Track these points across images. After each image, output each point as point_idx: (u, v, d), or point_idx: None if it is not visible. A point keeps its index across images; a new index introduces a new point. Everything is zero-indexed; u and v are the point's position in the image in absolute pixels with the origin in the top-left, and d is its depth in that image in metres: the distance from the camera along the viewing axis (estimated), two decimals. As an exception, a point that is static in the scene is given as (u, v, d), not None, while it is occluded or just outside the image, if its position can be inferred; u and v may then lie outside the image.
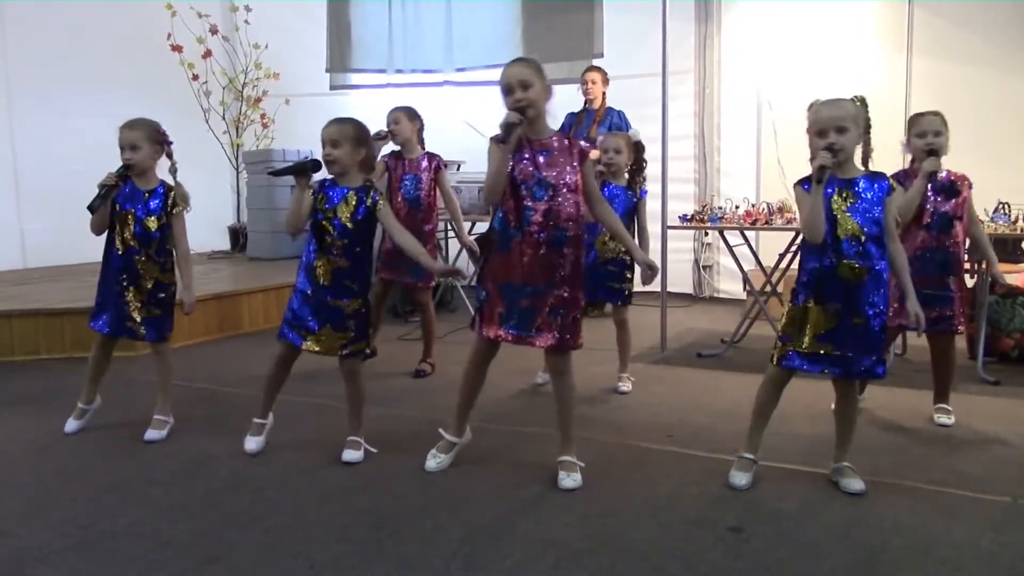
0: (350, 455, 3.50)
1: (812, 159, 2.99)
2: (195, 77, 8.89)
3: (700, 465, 3.44)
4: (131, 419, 3.99)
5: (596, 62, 7.28)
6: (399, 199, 4.92)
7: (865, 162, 3.12)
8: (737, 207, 5.60)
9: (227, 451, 3.65)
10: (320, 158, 3.46)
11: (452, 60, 8.56)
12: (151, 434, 3.80)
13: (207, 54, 8.95)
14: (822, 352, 3.05)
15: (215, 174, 9.65)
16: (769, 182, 6.97)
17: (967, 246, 4.08)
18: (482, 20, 8.37)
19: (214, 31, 9.03)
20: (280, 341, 3.52)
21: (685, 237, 7.77)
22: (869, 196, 3.01)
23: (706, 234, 7.82)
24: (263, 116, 9.54)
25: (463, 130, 7.13)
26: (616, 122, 6.87)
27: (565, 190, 3.12)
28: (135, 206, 3.75)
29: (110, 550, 2.69)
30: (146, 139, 3.72)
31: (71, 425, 3.88)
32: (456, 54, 8.49)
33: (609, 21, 7.63)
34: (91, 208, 3.63)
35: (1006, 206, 4.67)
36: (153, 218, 3.76)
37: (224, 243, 9.58)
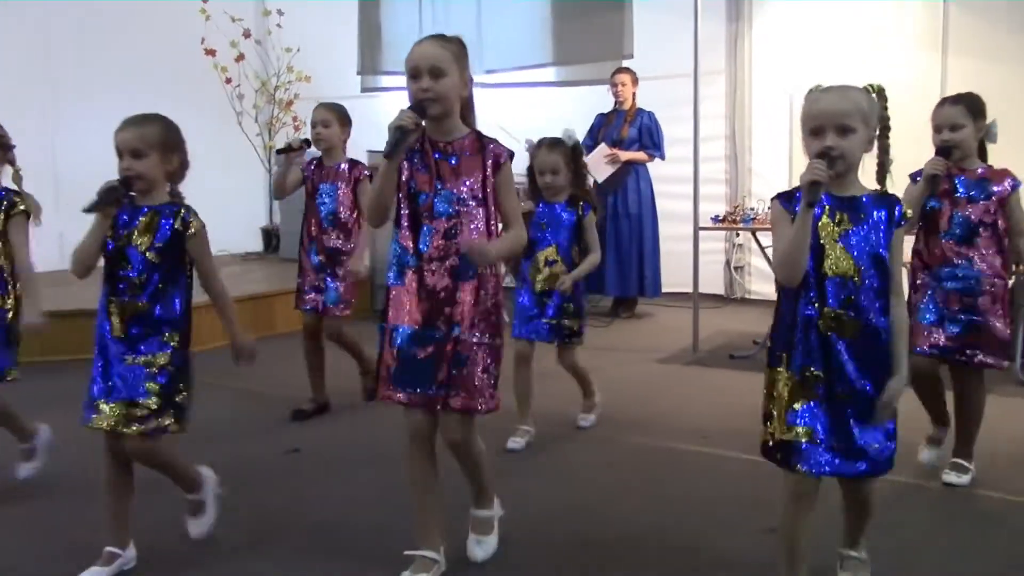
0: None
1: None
2: (228, 81, 8.99)
3: (735, 467, 3.44)
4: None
5: (626, 63, 7.28)
6: (314, 213, 4.26)
7: (882, 176, 2.33)
8: (768, 208, 5.57)
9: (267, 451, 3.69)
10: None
11: (482, 62, 8.57)
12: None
13: (240, 58, 9.04)
14: (795, 440, 2.18)
15: (248, 176, 9.77)
16: (801, 182, 6.91)
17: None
18: (512, 22, 8.37)
19: (247, 35, 9.12)
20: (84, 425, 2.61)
21: (716, 238, 7.73)
22: (873, 224, 2.19)
23: (737, 235, 7.78)
24: (295, 119, 9.61)
25: (496, 134, 7.13)
26: (647, 123, 6.89)
27: (474, 204, 2.49)
28: None
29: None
30: None
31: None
32: (486, 56, 8.51)
33: (639, 22, 7.60)
34: None
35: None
36: None
37: (257, 244, 9.69)
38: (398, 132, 2.35)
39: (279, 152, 4.43)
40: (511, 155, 2.56)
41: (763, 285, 7.71)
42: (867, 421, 2.16)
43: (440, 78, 2.42)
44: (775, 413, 2.22)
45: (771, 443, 2.23)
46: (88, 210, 2.53)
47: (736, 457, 3.54)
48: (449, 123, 2.51)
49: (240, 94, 9.14)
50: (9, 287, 3.23)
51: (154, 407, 2.53)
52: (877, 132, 2.27)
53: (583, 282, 3.89)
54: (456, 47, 2.50)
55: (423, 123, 2.44)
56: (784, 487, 2.23)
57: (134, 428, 2.52)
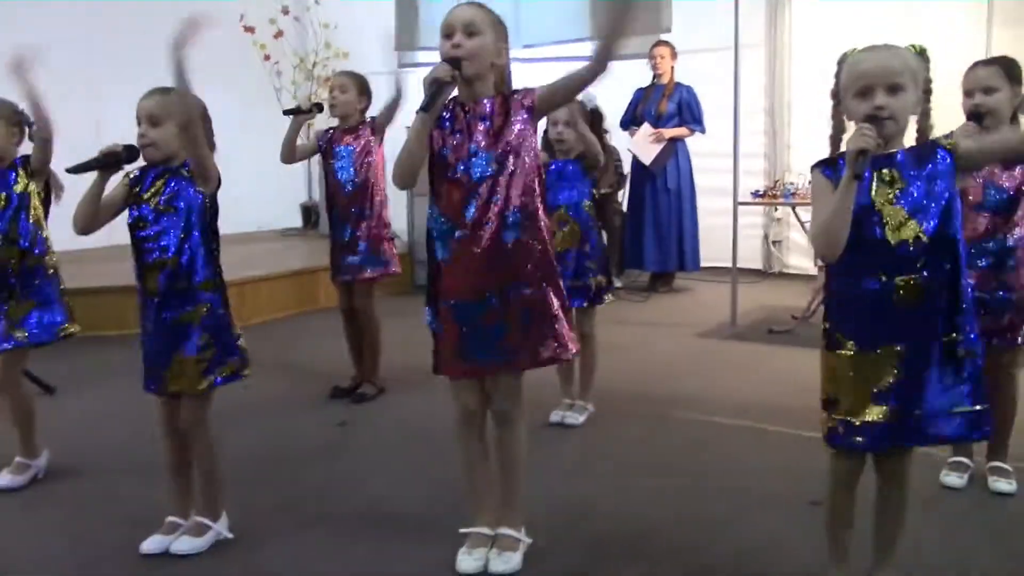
0: (185, 545, 2.62)
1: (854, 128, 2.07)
2: (267, 57, 9.05)
3: (775, 440, 3.46)
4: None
5: (664, 37, 7.23)
6: (334, 179, 4.16)
7: (924, 139, 2.19)
8: (810, 182, 5.53)
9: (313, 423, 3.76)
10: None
11: (520, 37, 8.54)
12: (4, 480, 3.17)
13: (279, 34, 9.09)
14: (882, 420, 2.05)
15: (288, 153, 9.85)
16: (841, 156, 6.83)
17: None
18: (550, -4, 8.35)
19: (285, 12, 9.17)
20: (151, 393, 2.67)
21: (754, 212, 7.68)
22: (923, 176, 2.05)
23: (775, 209, 7.74)
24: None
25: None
26: (686, 97, 6.86)
27: (512, 158, 2.40)
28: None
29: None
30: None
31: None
32: (524, 31, 8.47)
33: (677, -6, 7.54)
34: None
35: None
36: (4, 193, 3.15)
37: (297, 220, 9.79)
38: (434, 85, 2.30)
39: (285, 113, 4.33)
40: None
41: (801, 259, 7.67)
42: (956, 385, 2.04)
43: (474, 36, 2.38)
44: (854, 398, 2.08)
45: (840, 431, 2.10)
46: (72, 170, 2.57)
47: (775, 430, 3.56)
48: (480, 87, 2.44)
49: (279, 71, 9.20)
50: (47, 245, 3.23)
51: (208, 358, 2.57)
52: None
53: (598, 239, 3.73)
54: (495, 15, 2.48)
55: (458, 76, 2.35)
56: (830, 469, 2.18)
57: (199, 382, 2.56)
